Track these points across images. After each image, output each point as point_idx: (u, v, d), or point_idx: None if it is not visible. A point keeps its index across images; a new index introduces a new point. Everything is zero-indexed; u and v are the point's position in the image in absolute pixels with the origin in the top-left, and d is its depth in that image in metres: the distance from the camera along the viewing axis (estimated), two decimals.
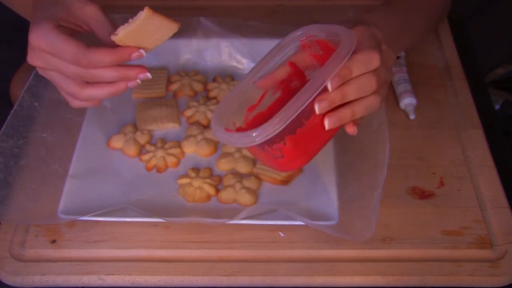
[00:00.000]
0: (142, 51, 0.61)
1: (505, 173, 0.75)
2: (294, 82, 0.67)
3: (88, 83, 0.62)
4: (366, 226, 0.64)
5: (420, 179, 0.73)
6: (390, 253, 0.67)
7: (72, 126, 0.78)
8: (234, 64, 0.88)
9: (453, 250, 0.67)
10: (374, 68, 0.59)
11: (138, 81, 0.63)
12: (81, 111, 0.79)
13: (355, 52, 0.58)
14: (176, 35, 0.86)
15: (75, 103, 0.65)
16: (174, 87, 0.85)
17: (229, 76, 0.86)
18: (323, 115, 0.59)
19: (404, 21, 0.75)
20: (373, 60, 0.58)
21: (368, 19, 0.68)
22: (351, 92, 0.58)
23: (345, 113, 0.59)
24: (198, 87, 0.85)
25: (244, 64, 0.88)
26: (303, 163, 0.63)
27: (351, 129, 0.61)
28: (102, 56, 0.59)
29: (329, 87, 0.57)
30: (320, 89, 0.57)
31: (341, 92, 0.58)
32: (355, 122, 0.61)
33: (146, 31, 0.60)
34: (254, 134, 0.57)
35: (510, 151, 0.82)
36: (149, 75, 0.63)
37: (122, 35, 0.59)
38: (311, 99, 0.57)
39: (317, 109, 0.58)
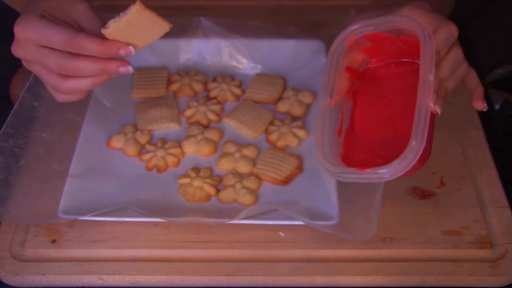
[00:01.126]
0: (131, 48, 0.61)
1: (505, 173, 0.75)
2: (355, 84, 0.68)
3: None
4: (366, 226, 0.64)
5: (420, 179, 0.73)
6: (390, 253, 0.67)
7: (72, 126, 0.78)
8: (234, 64, 0.88)
9: (453, 250, 0.67)
10: (454, 38, 0.60)
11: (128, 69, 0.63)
12: (81, 111, 0.79)
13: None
14: (176, 35, 0.86)
15: (60, 97, 0.65)
16: (174, 87, 0.85)
17: (229, 76, 0.86)
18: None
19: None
20: (450, 31, 0.60)
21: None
22: (446, 75, 0.60)
23: (442, 93, 0.60)
24: (198, 87, 0.85)
25: (244, 64, 0.88)
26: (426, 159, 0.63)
27: (480, 104, 0.64)
28: (91, 43, 0.60)
29: (437, 110, 0.59)
30: (431, 91, 0.58)
31: (442, 85, 0.60)
32: (479, 95, 0.64)
33: (136, 27, 0.60)
34: (384, 172, 0.58)
35: (510, 151, 0.82)
36: (131, 69, 0.63)
37: (112, 28, 0.59)
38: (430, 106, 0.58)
39: (439, 110, 0.59)
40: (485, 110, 0.63)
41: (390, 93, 0.67)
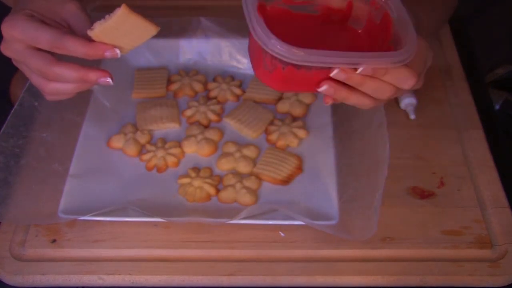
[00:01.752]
0: (117, 50, 0.61)
1: (505, 173, 0.75)
2: (335, 16, 0.65)
3: None
4: (366, 226, 0.64)
5: (420, 179, 0.74)
6: (390, 253, 0.67)
7: (72, 126, 0.78)
8: (235, 64, 0.88)
9: (453, 250, 0.67)
10: (401, 87, 0.58)
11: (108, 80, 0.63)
12: (82, 111, 0.79)
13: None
14: (176, 35, 0.86)
15: (47, 97, 0.65)
16: (174, 87, 0.85)
17: (229, 76, 0.86)
18: (325, 78, 0.58)
19: (431, 12, 0.75)
20: (408, 82, 0.57)
21: None
22: (367, 88, 0.58)
23: (341, 93, 0.58)
24: (198, 87, 0.85)
25: (244, 64, 0.88)
26: (273, 87, 0.62)
27: (328, 99, 0.60)
28: (76, 45, 0.59)
29: (359, 70, 0.56)
30: (352, 64, 0.56)
31: (361, 81, 0.57)
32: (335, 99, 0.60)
33: (122, 29, 0.59)
34: (294, 50, 0.55)
35: (510, 151, 0.82)
36: (110, 80, 0.62)
37: (98, 30, 0.59)
38: (342, 65, 0.56)
39: (334, 73, 0.56)
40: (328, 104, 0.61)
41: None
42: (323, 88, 0.58)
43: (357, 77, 0.57)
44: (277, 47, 0.55)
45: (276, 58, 0.57)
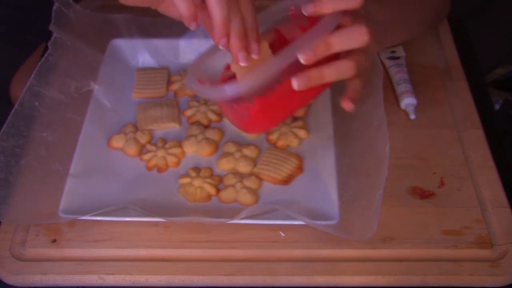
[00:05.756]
0: None
1: (505, 173, 0.75)
2: (276, 49, 0.65)
3: None
4: (367, 225, 0.64)
5: (421, 179, 0.74)
6: (391, 253, 0.67)
7: (72, 126, 0.78)
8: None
9: (453, 250, 0.67)
10: (360, 45, 0.58)
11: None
12: (82, 111, 0.79)
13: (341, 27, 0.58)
14: (176, 35, 0.86)
15: None
16: (174, 87, 0.85)
17: None
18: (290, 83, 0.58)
19: (398, 11, 0.75)
20: (361, 37, 0.57)
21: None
22: (328, 73, 0.58)
23: (313, 74, 0.58)
24: None
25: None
26: (267, 129, 0.63)
27: (347, 105, 0.60)
28: None
29: (301, 59, 0.57)
30: (294, 58, 0.57)
31: (318, 73, 0.58)
32: (351, 97, 0.60)
33: None
34: (226, 88, 0.57)
35: (510, 151, 0.82)
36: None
37: None
38: (284, 65, 0.57)
39: (302, 58, 0.57)
40: (351, 110, 0.61)
41: None
42: (297, 83, 0.58)
43: (314, 73, 0.57)
44: (232, 93, 0.57)
45: (238, 100, 0.59)
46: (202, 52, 0.65)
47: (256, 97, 0.59)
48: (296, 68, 0.58)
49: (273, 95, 0.60)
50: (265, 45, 0.61)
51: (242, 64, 0.59)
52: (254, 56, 0.60)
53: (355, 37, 0.58)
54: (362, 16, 0.61)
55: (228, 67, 0.65)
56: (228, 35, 0.58)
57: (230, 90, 0.57)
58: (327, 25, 0.57)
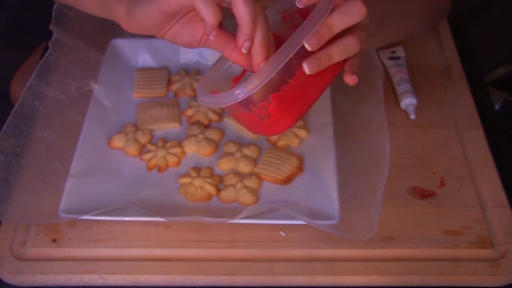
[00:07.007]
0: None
1: (505, 173, 0.75)
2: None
3: None
4: (367, 225, 0.64)
5: (421, 179, 0.74)
6: (391, 253, 0.67)
7: (73, 126, 0.78)
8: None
9: (453, 250, 0.67)
10: (360, 18, 0.57)
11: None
12: (82, 111, 0.79)
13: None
14: None
15: None
16: (175, 87, 0.85)
17: None
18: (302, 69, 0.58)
19: (393, 3, 0.75)
20: (358, 10, 0.57)
21: None
22: (335, 52, 0.58)
23: (322, 54, 0.58)
24: None
25: None
26: (289, 125, 0.62)
27: (349, 79, 0.59)
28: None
29: (306, 46, 0.56)
30: (299, 47, 0.57)
31: (326, 53, 0.57)
32: (352, 71, 0.60)
33: None
34: (236, 92, 0.57)
35: (510, 151, 0.82)
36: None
37: None
38: (290, 57, 0.56)
39: (309, 46, 0.56)
40: (355, 83, 0.60)
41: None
42: (308, 67, 0.58)
43: (322, 53, 0.57)
44: (243, 93, 0.56)
45: (253, 102, 0.59)
46: (208, 69, 0.65)
47: (272, 94, 0.59)
48: (305, 58, 0.58)
49: (288, 89, 0.59)
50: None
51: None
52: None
53: (353, 11, 0.58)
54: None
55: (235, 80, 0.65)
56: (252, 39, 0.57)
57: (241, 92, 0.57)
58: (323, 9, 0.57)
